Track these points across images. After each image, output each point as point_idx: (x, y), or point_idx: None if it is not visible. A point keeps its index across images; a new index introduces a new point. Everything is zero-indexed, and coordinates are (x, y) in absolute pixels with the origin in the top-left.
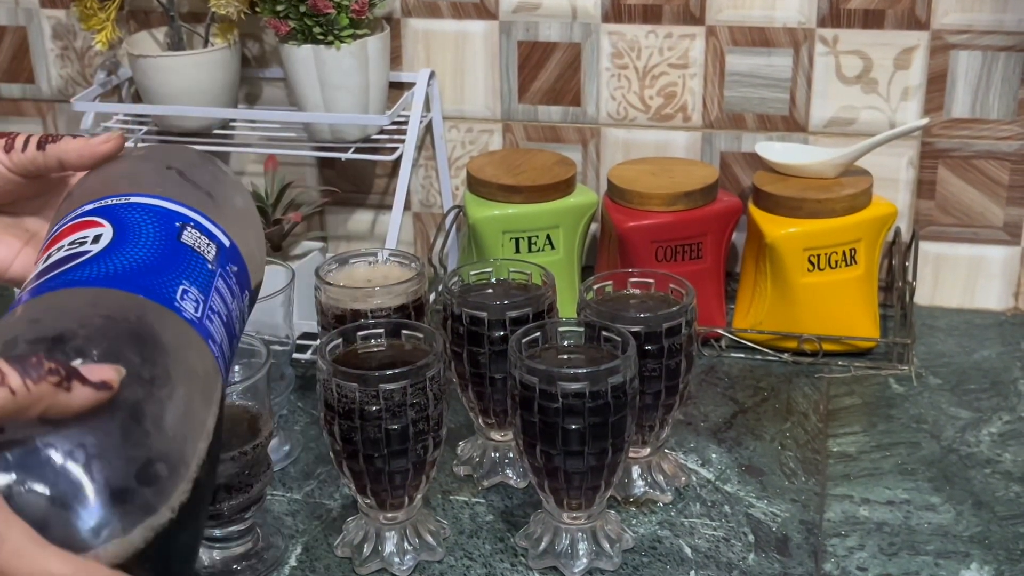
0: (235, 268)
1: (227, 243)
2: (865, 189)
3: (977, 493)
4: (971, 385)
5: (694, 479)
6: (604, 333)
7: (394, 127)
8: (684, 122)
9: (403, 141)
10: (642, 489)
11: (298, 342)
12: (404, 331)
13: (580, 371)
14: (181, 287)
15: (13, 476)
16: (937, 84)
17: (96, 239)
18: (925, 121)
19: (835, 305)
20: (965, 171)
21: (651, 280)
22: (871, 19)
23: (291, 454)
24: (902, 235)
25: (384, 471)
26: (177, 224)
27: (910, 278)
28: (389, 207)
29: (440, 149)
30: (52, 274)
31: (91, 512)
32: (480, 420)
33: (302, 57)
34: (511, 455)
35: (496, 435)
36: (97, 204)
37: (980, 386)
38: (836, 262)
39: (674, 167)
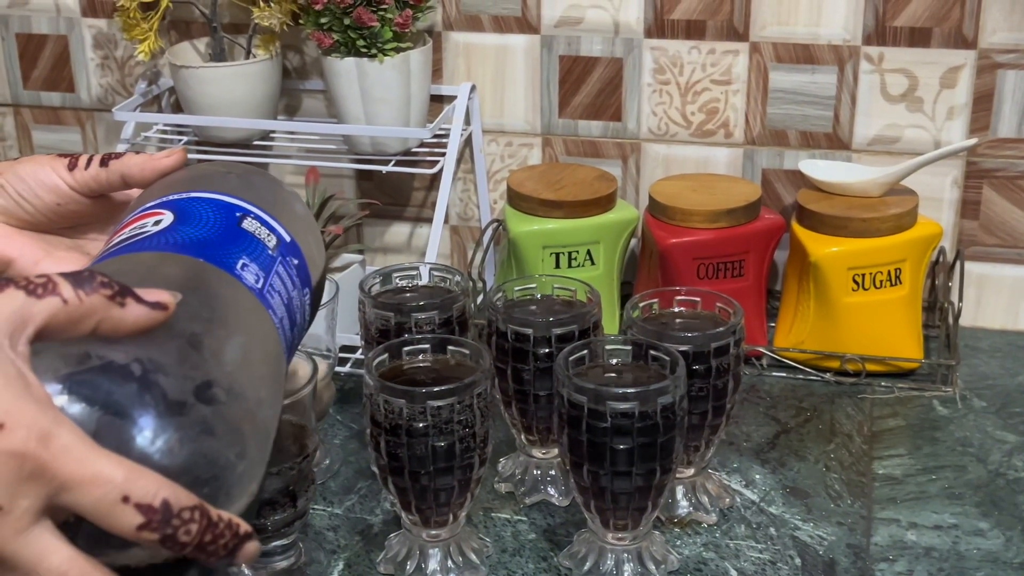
0: (296, 261)
1: (287, 238)
2: (911, 209)
3: None
4: (1016, 408)
5: (738, 500)
6: (652, 352)
7: (434, 140)
8: (726, 138)
9: (443, 154)
10: (687, 510)
11: (340, 355)
12: (450, 347)
13: (630, 390)
14: (241, 260)
15: (67, 384)
16: (983, 103)
17: (157, 223)
18: (973, 141)
19: (879, 325)
20: (1010, 191)
21: (697, 299)
22: (917, 37)
23: (331, 468)
24: (946, 255)
25: (430, 488)
26: (237, 214)
27: (954, 299)
28: (426, 220)
29: (479, 163)
30: (113, 249)
31: (146, 420)
32: (523, 437)
33: (345, 70)
34: (553, 472)
35: (538, 452)
36: (158, 200)
37: None
38: (881, 282)
39: (716, 184)
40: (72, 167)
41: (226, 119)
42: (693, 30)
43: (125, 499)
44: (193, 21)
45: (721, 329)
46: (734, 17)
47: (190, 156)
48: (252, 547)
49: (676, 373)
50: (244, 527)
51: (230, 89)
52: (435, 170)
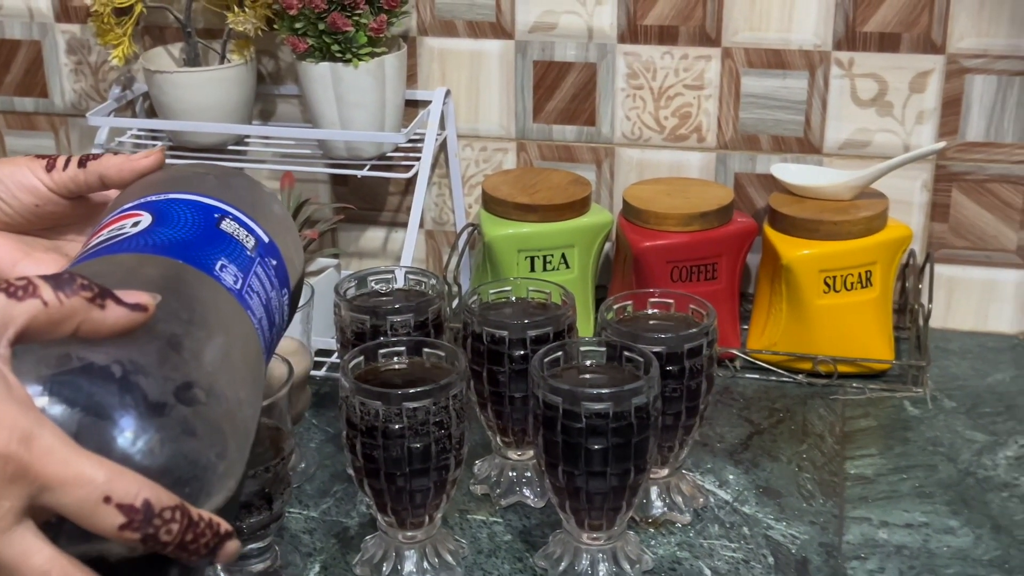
0: (274, 262)
1: (266, 239)
2: (881, 212)
3: (995, 517)
4: (986, 408)
5: (712, 500)
6: (626, 353)
7: (409, 145)
8: (699, 143)
9: (418, 159)
10: (661, 510)
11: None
12: (425, 349)
13: (604, 391)
14: (219, 262)
15: (48, 385)
16: (952, 108)
17: (135, 224)
18: (942, 145)
19: (850, 327)
20: (979, 194)
21: (671, 301)
22: (887, 43)
23: (307, 472)
24: (916, 258)
25: (405, 490)
26: (216, 215)
27: (925, 301)
28: (401, 224)
29: (454, 167)
30: (92, 250)
31: (127, 421)
32: (498, 439)
33: (319, 74)
34: (528, 474)
35: (513, 454)
36: (136, 202)
37: (995, 409)
38: (852, 284)
39: (689, 188)
40: (50, 168)
41: (201, 124)
42: (666, 36)
43: (107, 499)
44: (167, 26)
45: (694, 330)
46: (706, 23)
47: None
48: (232, 546)
49: (650, 374)
50: (224, 526)
51: (205, 94)
52: (410, 175)
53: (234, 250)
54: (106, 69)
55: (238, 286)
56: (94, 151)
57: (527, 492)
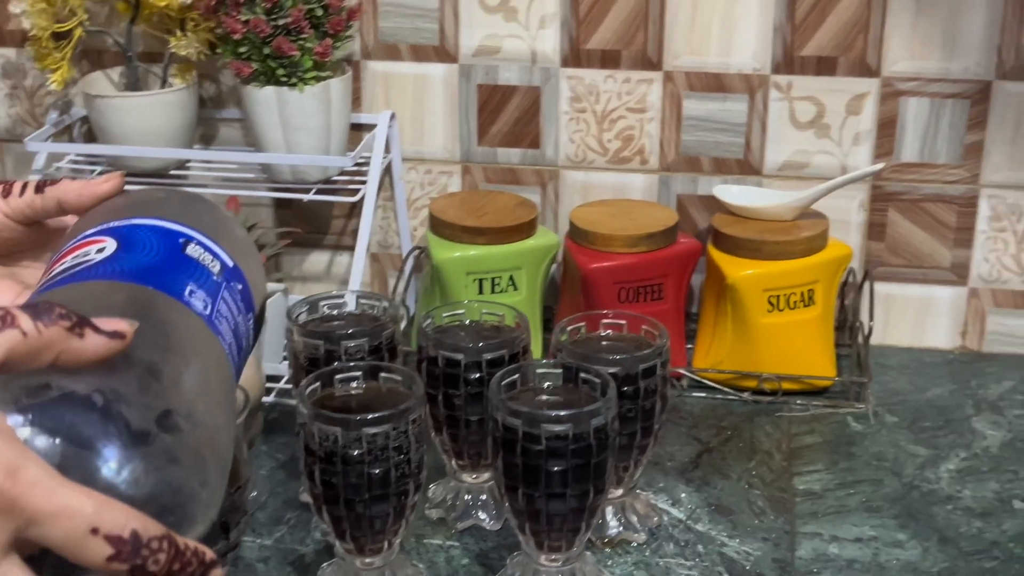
0: (239, 286)
1: (230, 263)
2: (822, 232)
3: (941, 529)
4: (926, 423)
5: (666, 519)
6: (582, 375)
7: (354, 168)
8: (641, 165)
9: (363, 182)
10: (617, 529)
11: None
12: (382, 374)
13: (563, 413)
14: (188, 287)
15: (29, 416)
16: (887, 129)
17: (100, 250)
18: (880, 166)
19: (794, 345)
20: (914, 214)
21: (623, 322)
22: (824, 66)
23: (258, 499)
24: (855, 276)
25: (365, 516)
26: (180, 240)
27: (865, 318)
28: (345, 247)
29: (399, 190)
30: (58, 278)
31: (111, 451)
32: (453, 462)
33: (264, 99)
34: (484, 497)
35: (468, 477)
36: (98, 228)
37: (935, 423)
38: (795, 302)
39: (634, 209)
40: (6, 194)
41: (143, 148)
42: (608, 60)
43: (94, 531)
44: (105, 50)
45: (648, 351)
46: (648, 47)
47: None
48: (217, 574)
49: (607, 395)
50: (209, 554)
51: (147, 118)
52: (357, 198)
53: (201, 275)
54: (42, 94)
55: (207, 311)
56: (31, 177)
57: (483, 515)
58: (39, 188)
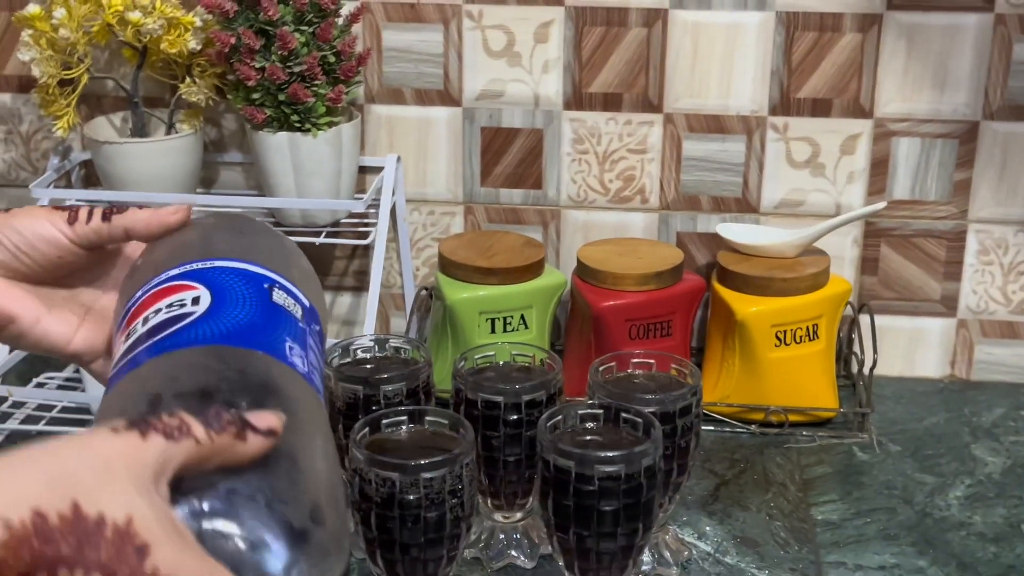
0: (317, 328)
1: (307, 304)
2: (825, 268)
3: (959, 555)
4: (928, 451)
5: (695, 553)
6: (623, 415)
7: (359, 211)
8: (642, 204)
9: (370, 224)
10: (650, 565)
11: None
12: (427, 417)
13: (614, 454)
14: (287, 343)
15: (205, 522)
16: (880, 168)
17: (196, 300)
18: (882, 205)
19: (800, 378)
20: (905, 249)
21: (652, 361)
22: (819, 108)
23: None
24: (854, 309)
25: (419, 559)
26: (266, 286)
27: (869, 350)
28: (348, 288)
29: (403, 231)
30: (162, 335)
31: (281, 552)
32: (489, 502)
33: (277, 144)
34: (517, 536)
35: (501, 517)
36: (182, 269)
37: (937, 451)
38: (800, 337)
39: (639, 248)
40: (72, 221)
41: (150, 194)
42: (610, 102)
43: None
44: (105, 95)
45: (685, 390)
46: (649, 90)
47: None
48: None
49: (652, 435)
50: None
51: (153, 164)
52: (368, 241)
53: (290, 325)
54: (39, 139)
55: (305, 369)
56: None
57: (516, 553)
58: (106, 216)
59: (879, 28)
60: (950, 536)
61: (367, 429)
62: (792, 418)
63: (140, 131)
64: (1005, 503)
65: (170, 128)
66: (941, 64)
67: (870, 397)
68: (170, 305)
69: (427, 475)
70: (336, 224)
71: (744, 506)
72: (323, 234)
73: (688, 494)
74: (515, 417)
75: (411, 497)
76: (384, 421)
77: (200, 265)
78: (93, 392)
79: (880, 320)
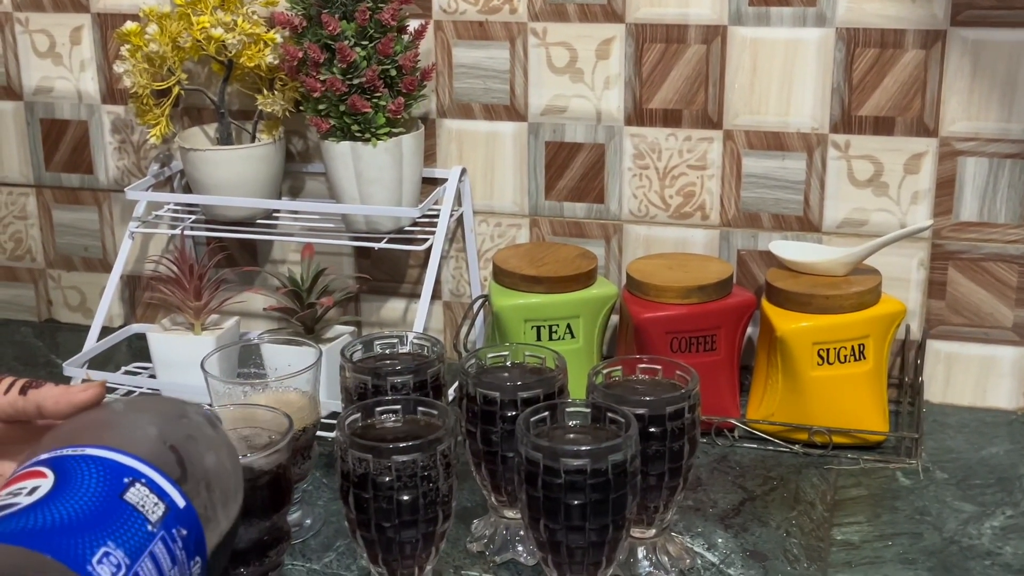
0: (184, 531)
1: (181, 504)
2: (873, 287)
3: None
4: (976, 480)
5: (699, 562)
6: (609, 415)
7: (426, 220)
8: (702, 220)
9: (434, 233)
10: (647, 569)
11: (325, 420)
12: (421, 408)
13: (582, 448)
14: (103, 549)
15: None
16: (946, 188)
17: (32, 491)
18: (929, 223)
19: (844, 398)
20: (975, 273)
21: (659, 367)
22: (881, 126)
23: (312, 527)
24: (912, 333)
25: (395, 540)
26: (125, 480)
27: (917, 375)
28: (420, 296)
29: (470, 242)
30: None
31: None
32: (492, 498)
33: (341, 152)
34: (522, 532)
35: (508, 513)
36: (52, 454)
37: (985, 481)
38: (845, 356)
39: (690, 262)
40: None
41: (231, 198)
42: (670, 118)
43: None
44: (204, 108)
45: (677, 394)
46: (708, 107)
47: (198, 233)
48: None
49: (628, 433)
50: None
51: (235, 171)
52: (425, 247)
53: (131, 527)
54: (147, 147)
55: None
56: (132, 224)
57: (519, 549)
58: (23, 390)
59: (943, 44)
60: (972, 564)
61: (359, 414)
62: (837, 440)
63: (227, 140)
64: None
65: (253, 137)
66: (1009, 82)
67: (920, 422)
68: (10, 492)
69: (400, 458)
70: (400, 231)
71: (764, 522)
72: (384, 240)
73: (711, 507)
74: (512, 414)
75: (384, 479)
76: (378, 408)
77: (69, 452)
78: (163, 379)
79: (949, 347)
